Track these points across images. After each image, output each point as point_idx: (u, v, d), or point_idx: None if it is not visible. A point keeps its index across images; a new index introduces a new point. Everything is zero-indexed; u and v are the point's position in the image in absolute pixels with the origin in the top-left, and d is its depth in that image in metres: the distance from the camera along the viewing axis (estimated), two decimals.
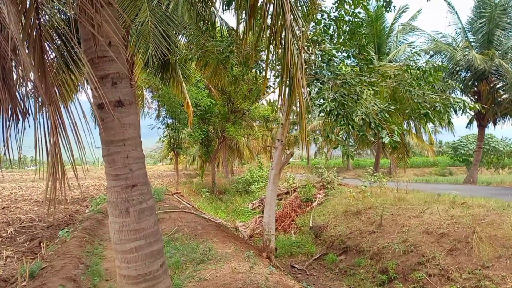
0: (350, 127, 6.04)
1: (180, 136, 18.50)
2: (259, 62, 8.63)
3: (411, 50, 19.88)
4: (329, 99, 5.91)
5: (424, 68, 6.83)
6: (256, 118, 26.19)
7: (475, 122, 20.03)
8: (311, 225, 11.70)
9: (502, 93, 18.62)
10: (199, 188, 23.43)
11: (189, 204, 15.15)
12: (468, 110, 7.06)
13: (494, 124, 19.61)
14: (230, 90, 20.89)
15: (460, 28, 19.99)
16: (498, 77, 18.22)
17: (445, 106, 6.46)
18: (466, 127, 22.04)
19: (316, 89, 6.45)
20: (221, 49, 7.53)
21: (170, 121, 18.07)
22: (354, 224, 10.45)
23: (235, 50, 7.60)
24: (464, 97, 18.94)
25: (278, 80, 8.09)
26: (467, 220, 7.87)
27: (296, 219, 12.69)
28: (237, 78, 20.22)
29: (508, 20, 17.96)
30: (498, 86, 18.59)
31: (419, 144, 30.67)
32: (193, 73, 13.28)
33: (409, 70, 6.90)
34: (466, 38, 19.55)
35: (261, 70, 8.46)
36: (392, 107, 6.24)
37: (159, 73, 12.54)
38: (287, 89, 3.01)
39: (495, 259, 6.16)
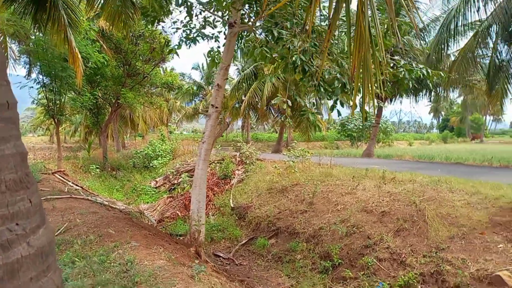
0: (321, 89, 4.78)
1: (63, 100, 14.88)
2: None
3: None
4: (299, 50, 4.50)
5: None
6: (158, 85, 23.39)
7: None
8: (232, 206, 10.42)
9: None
10: (86, 164, 19.96)
11: (77, 185, 12.32)
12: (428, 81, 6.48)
13: (390, 101, 21.09)
14: (127, 49, 17.80)
15: None
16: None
17: (409, 73, 5.68)
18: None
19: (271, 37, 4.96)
20: None
21: (47, 80, 14.22)
22: (281, 202, 9.52)
23: None
24: None
25: (188, 41, 6.33)
26: (405, 196, 7.56)
27: (214, 199, 11.26)
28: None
29: None
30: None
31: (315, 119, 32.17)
32: (82, 16, 10.18)
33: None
34: None
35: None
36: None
37: (31, 11, 9.14)
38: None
39: (449, 240, 5.79)
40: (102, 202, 8.67)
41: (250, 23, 6.57)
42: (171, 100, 45.35)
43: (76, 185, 13.18)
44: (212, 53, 5.76)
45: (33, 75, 15.50)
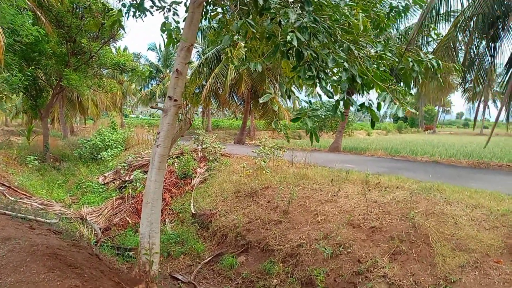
0: (323, 81, 3.43)
1: None
2: None
3: None
4: (295, 26, 3.12)
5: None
6: (108, 66, 20.90)
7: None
8: (193, 211, 8.95)
9: None
10: (23, 154, 17.31)
11: (3, 185, 10.18)
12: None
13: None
14: (70, 23, 15.37)
15: None
16: None
17: (418, 64, 4.51)
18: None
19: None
20: None
21: None
22: (251, 209, 8.21)
23: None
24: None
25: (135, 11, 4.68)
26: (396, 208, 6.54)
27: (171, 202, 9.70)
28: None
29: None
30: None
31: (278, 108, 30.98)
32: None
33: None
34: None
35: None
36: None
37: None
38: None
39: (459, 270, 4.79)
40: (25, 216, 6.83)
41: None
42: (125, 83, 42.22)
43: (3, 184, 10.99)
44: (167, 25, 4.21)
45: None
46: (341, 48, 3.63)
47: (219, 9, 5.51)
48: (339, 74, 3.58)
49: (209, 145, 11.60)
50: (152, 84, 45.15)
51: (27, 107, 19.91)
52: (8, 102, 34.51)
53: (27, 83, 15.39)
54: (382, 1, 4.66)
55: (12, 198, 9.37)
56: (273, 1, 3.49)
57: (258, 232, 7.40)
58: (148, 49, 43.89)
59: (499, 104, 44.64)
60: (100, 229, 9.18)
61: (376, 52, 4.01)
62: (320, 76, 3.50)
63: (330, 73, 3.79)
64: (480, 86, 12.15)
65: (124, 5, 4.57)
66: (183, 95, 5.50)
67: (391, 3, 4.63)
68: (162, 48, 42.48)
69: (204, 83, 23.80)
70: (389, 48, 4.34)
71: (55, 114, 31.86)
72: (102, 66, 20.14)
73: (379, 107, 3.93)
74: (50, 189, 14.32)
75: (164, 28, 4.27)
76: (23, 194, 10.96)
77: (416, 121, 68.61)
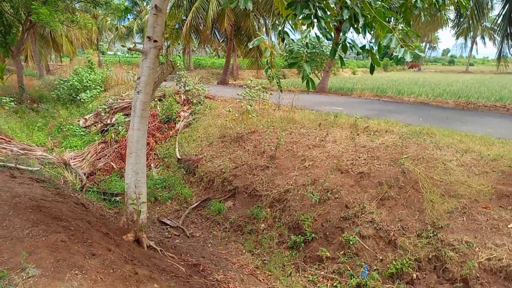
0: (322, 20, 3.06)
1: None
2: None
3: None
4: None
5: None
6: None
7: None
8: (178, 156, 8.80)
9: None
10: None
11: None
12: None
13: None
14: None
15: None
16: None
17: None
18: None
19: None
20: None
21: None
22: (237, 154, 8.11)
23: None
24: None
25: None
26: (386, 153, 6.52)
27: (156, 147, 9.48)
28: None
29: None
30: None
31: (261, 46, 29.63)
32: None
33: None
34: None
35: None
36: None
37: None
38: None
39: (447, 215, 4.90)
40: (5, 164, 6.53)
41: None
42: (100, 17, 39.36)
43: None
44: None
45: None
46: None
47: None
48: (340, 13, 3.21)
49: (193, 88, 11.11)
50: (128, 19, 42.37)
51: None
52: None
53: None
54: None
55: None
56: None
57: (245, 177, 7.37)
58: None
59: (487, 40, 44.11)
60: (84, 174, 9.01)
61: None
62: (318, 14, 3.13)
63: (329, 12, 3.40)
64: (474, 21, 11.73)
65: None
66: (163, 35, 5.00)
67: None
68: None
69: (184, 17, 22.32)
70: None
71: (28, 52, 29.86)
72: None
73: (380, 50, 3.63)
74: (30, 132, 13.84)
75: None
76: (2, 138, 10.54)
77: (401, 58, 67.54)
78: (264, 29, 25.56)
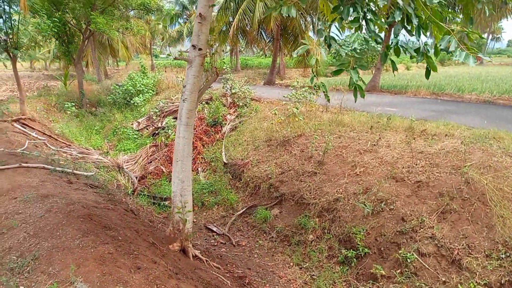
0: (371, 23, 2.77)
1: (15, 29, 11.96)
2: None
3: None
4: None
5: None
6: (133, 7, 20.11)
7: None
8: (225, 161, 8.78)
9: None
10: (61, 101, 17.72)
11: (44, 135, 10.42)
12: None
13: None
14: None
15: None
16: None
17: None
18: None
19: None
20: None
21: None
22: (284, 159, 7.89)
23: None
24: None
25: None
26: (446, 160, 5.93)
27: (203, 151, 9.56)
28: None
29: None
30: None
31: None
32: None
33: None
34: None
35: None
36: None
37: None
38: None
39: None
40: (64, 170, 6.90)
41: None
42: (153, 22, 41.11)
43: (44, 133, 11.27)
44: None
45: None
46: None
47: None
48: (391, 14, 2.87)
49: (239, 90, 11.07)
50: (179, 23, 43.82)
51: (60, 53, 19.89)
52: (45, 48, 34.81)
53: (57, 30, 15.18)
54: None
55: (53, 148, 9.60)
56: None
57: (291, 184, 7.13)
58: None
59: None
60: (136, 177, 9.32)
61: None
62: (367, 17, 2.82)
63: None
64: None
65: None
66: (208, 42, 4.93)
67: None
68: None
69: (231, 19, 22.51)
70: None
71: (88, 58, 32.10)
72: (128, 7, 19.54)
73: (437, 53, 3.21)
74: (88, 135, 14.76)
75: None
76: (63, 142, 11.26)
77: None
78: (311, 27, 25.09)
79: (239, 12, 20.39)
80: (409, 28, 3.06)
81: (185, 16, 43.67)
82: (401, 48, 3.10)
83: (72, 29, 17.45)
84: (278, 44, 23.09)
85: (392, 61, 3.33)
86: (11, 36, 11.87)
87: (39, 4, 14.54)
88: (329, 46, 3.07)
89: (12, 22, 11.95)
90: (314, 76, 3.39)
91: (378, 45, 22.73)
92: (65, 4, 15.45)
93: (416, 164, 6.10)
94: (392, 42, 3.07)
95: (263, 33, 24.44)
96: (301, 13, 21.20)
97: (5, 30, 11.85)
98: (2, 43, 11.91)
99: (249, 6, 20.24)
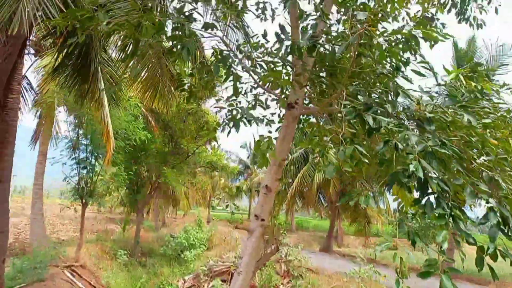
0: (460, 222, 2.47)
1: (95, 179, 13.41)
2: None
3: None
4: (417, 150, 2.36)
5: None
6: (201, 165, 22.16)
7: None
8: None
9: None
10: (115, 247, 18.01)
11: (90, 286, 10.23)
12: None
13: None
14: (175, 125, 16.87)
15: None
16: None
17: None
18: None
19: None
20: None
21: (83, 155, 13.00)
22: None
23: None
24: None
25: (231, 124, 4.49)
26: None
27: None
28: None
29: None
30: None
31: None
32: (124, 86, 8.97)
33: None
34: None
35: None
36: None
37: (74, 83, 7.74)
38: None
39: None
40: None
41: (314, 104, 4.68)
42: (215, 177, 44.36)
43: (90, 283, 11.09)
44: (262, 145, 3.81)
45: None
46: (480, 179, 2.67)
47: (312, 119, 5.12)
48: (487, 215, 2.59)
49: (295, 258, 10.44)
50: (239, 179, 46.75)
51: (127, 201, 21.48)
52: (114, 194, 38.41)
53: (129, 181, 16.77)
54: None
55: None
56: (387, 120, 2.81)
57: None
58: (240, 147, 46.71)
59: None
60: None
61: None
62: (453, 214, 2.55)
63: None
64: None
65: (225, 123, 4.47)
66: (271, 213, 4.88)
67: None
68: (252, 147, 44.96)
69: (290, 180, 23.44)
70: None
71: (150, 206, 34.23)
72: (197, 164, 21.44)
73: None
74: None
75: (259, 147, 3.87)
76: None
77: None
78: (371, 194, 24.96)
79: (298, 176, 21.30)
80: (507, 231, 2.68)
81: (246, 174, 46.72)
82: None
83: (144, 180, 19.16)
84: (337, 209, 22.92)
85: (491, 268, 2.77)
86: (89, 185, 13.18)
87: (120, 159, 16.57)
88: (414, 243, 2.73)
89: (94, 173, 13.46)
90: (399, 278, 2.84)
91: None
92: (143, 160, 17.41)
93: None
94: (488, 248, 2.64)
95: (321, 196, 24.74)
96: (361, 182, 21.53)
97: (85, 180, 13.32)
98: (79, 191, 13.14)
99: (309, 172, 21.16)
